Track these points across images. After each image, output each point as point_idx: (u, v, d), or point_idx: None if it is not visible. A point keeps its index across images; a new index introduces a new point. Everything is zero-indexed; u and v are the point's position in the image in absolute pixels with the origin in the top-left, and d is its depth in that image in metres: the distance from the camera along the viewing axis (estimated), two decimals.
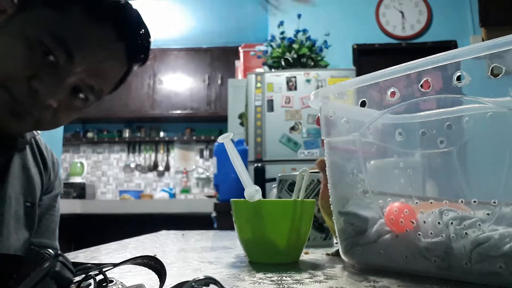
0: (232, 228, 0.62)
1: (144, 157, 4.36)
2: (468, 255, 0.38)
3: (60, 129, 2.43)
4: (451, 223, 0.40)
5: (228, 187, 2.26)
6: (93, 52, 0.57)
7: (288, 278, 0.42)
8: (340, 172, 0.54)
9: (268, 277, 0.43)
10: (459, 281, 0.39)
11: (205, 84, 4.15)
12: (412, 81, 0.43)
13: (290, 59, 2.58)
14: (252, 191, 0.53)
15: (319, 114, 0.56)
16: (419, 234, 0.43)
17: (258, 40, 3.48)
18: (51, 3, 0.56)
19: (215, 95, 4.12)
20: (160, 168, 4.33)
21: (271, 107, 2.42)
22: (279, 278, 0.42)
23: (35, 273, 0.22)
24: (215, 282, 0.25)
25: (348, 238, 0.51)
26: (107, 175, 4.35)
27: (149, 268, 0.35)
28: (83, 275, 0.31)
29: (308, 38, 2.65)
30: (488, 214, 0.38)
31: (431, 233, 0.41)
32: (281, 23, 2.75)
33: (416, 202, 0.43)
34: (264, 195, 0.70)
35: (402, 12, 3.28)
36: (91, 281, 0.31)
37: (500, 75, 0.36)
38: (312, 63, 2.60)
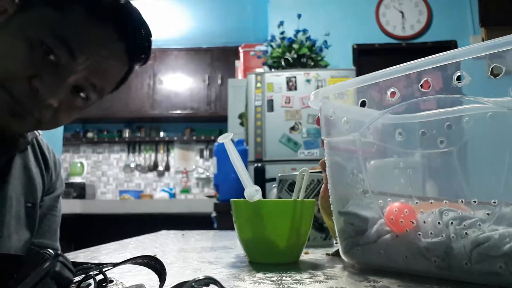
0: (232, 228, 0.62)
1: (144, 157, 4.36)
2: (468, 255, 0.38)
3: (60, 129, 2.43)
4: (451, 223, 0.40)
5: (228, 187, 2.26)
6: (95, 51, 0.57)
7: (288, 278, 0.42)
8: (340, 172, 0.54)
9: (268, 277, 0.43)
10: (459, 281, 0.39)
11: (205, 84, 4.15)
12: (412, 81, 0.43)
13: (290, 59, 2.58)
14: (252, 191, 0.53)
15: (319, 114, 0.56)
16: (419, 234, 0.43)
17: (258, 40, 3.48)
18: (51, 3, 0.55)
19: (215, 95, 4.12)
20: (160, 168, 4.33)
21: (271, 107, 2.42)
22: (279, 278, 0.42)
23: (35, 273, 0.22)
24: (215, 282, 0.25)
25: (348, 238, 0.51)
26: (107, 175, 4.35)
27: (149, 268, 0.35)
28: (83, 275, 0.31)
29: (308, 38, 2.65)
30: (488, 214, 0.38)
31: (431, 233, 0.41)
32: (281, 23, 2.75)
33: (416, 202, 0.43)
34: (264, 195, 0.70)
35: (402, 12, 3.28)
36: (91, 281, 0.31)
37: (500, 75, 0.36)
38: (312, 63, 2.60)
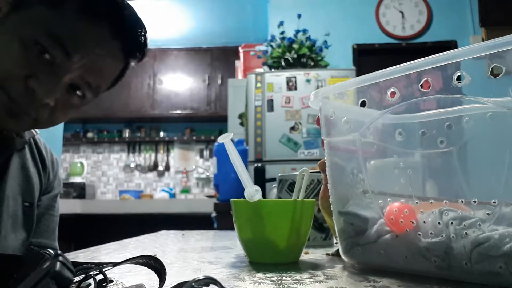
0: (232, 228, 0.62)
1: (144, 157, 4.36)
2: (468, 255, 0.38)
3: (60, 129, 2.43)
4: (451, 223, 0.40)
5: (228, 187, 2.26)
6: (90, 49, 0.57)
7: (288, 278, 0.42)
8: (340, 172, 0.53)
9: (268, 277, 0.43)
10: (459, 281, 0.39)
11: (205, 84, 4.15)
12: (412, 81, 0.43)
13: (290, 59, 2.58)
14: (252, 191, 0.53)
15: (319, 114, 0.56)
16: (419, 234, 0.43)
17: (258, 40, 3.48)
18: (46, 2, 0.55)
19: (215, 95, 4.12)
20: (160, 168, 4.33)
21: (271, 107, 2.42)
22: (279, 278, 0.42)
23: (35, 273, 0.22)
24: (215, 282, 0.25)
25: (348, 238, 0.51)
26: (107, 175, 4.35)
27: (149, 268, 0.35)
28: (83, 275, 0.31)
29: (308, 38, 2.65)
30: (488, 214, 0.38)
31: (431, 233, 0.41)
32: (281, 23, 2.75)
33: (416, 202, 0.43)
34: (264, 195, 0.70)
35: (402, 12, 3.28)
36: (91, 281, 0.31)
37: (500, 75, 0.36)
38: (312, 63, 2.60)
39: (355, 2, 3.30)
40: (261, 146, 2.38)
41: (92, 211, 3.49)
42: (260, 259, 0.55)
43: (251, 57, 2.91)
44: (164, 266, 0.34)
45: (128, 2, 0.62)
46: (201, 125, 4.31)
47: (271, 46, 2.68)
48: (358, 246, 0.50)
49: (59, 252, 0.23)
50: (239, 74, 3.08)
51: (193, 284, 0.24)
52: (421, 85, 0.43)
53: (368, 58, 3.23)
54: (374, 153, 0.49)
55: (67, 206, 3.35)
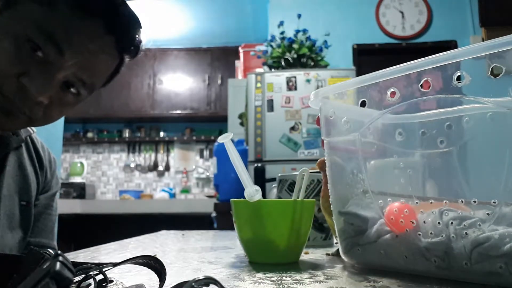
0: (232, 228, 0.62)
1: (144, 157, 4.36)
2: (468, 255, 0.38)
3: (60, 129, 2.42)
4: (451, 223, 0.40)
5: (228, 187, 2.26)
6: (83, 46, 0.56)
7: (288, 278, 0.42)
8: (340, 172, 0.53)
9: (268, 277, 0.43)
10: (459, 281, 0.39)
11: (205, 84, 4.15)
12: (412, 81, 0.43)
13: (290, 59, 2.58)
14: (252, 191, 0.53)
15: (319, 114, 0.56)
16: (419, 234, 0.43)
17: (258, 40, 3.48)
18: None
19: (215, 95, 4.12)
20: (160, 168, 4.33)
21: (271, 107, 2.42)
22: (279, 278, 0.42)
23: (35, 273, 0.22)
24: (215, 282, 0.25)
25: (348, 238, 0.51)
26: (107, 175, 4.35)
27: (149, 268, 0.35)
28: (83, 275, 0.31)
29: (308, 38, 2.65)
30: (488, 214, 0.38)
31: (431, 233, 0.41)
32: (281, 23, 2.75)
33: (416, 202, 0.43)
34: (264, 195, 0.70)
35: (402, 12, 3.28)
36: (91, 281, 0.31)
37: (500, 75, 0.36)
38: (312, 63, 2.60)
39: (355, 2, 3.30)
40: (261, 146, 2.38)
41: (92, 211, 3.49)
42: (260, 259, 0.55)
43: (251, 57, 2.91)
44: (164, 266, 0.34)
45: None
46: (201, 125, 4.31)
47: (271, 46, 2.68)
48: (358, 246, 0.50)
49: (59, 252, 0.23)
50: (239, 74, 3.08)
51: (193, 284, 0.24)
52: (421, 85, 0.43)
53: (368, 58, 3.23)
54: (374, 153, 0.49)
55: (67, 206, 3.35)
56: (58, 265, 0.22)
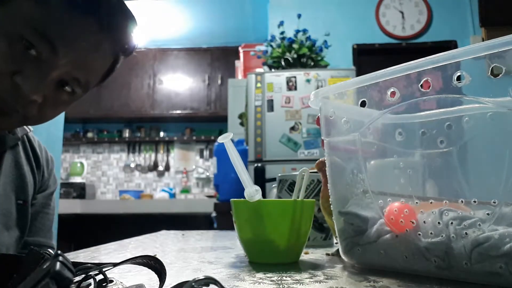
0: (232, 228, 0.62)
1: (144, 157, 4.36)
2: (468, 255, 0.38)
3: (60, 129, 2.42)
4: (451, 223, 0.40)
5: (228, 187, 2.26)
6: (77, 44, 0.55)
7: (288, 278, 0.42)
8: (340, 172, 0.53)
9: (268, 277, 0.43)
10: (459, 281, 0.39)
11: (205, 84, 4.15)
12: (412, 81, 0.43)
13: (290, 59, 2.58)
14: (252, 191, 0.53)
15: (319, 114, 0.56)
16: (419, 234, 0.43)
17: (258, 40, 3.48)
18: None
19: (215, 95, 4.12)
20: (160, 168, 4.33)
21: (271, 107, 2.42)
22: (279, 278, 0.42)
23: (35, 273, 0.22)
24: (215, 282, 0.25)
25: (348, 238, 0.51)
26: (107, 175, 4.35)
27: (149, 268, 0.35)
28: (83, 275, 0.31)
29: (308, 38, 2.65)
30: (488, 214, 0.38)
31: (431, 233, 0.41)
32: (281, 23, 2.75)
33: (416, 202, 0.43)
34: (264, 195, 0.70)
35: (402, 12, 3.28)
36: (91, 281, 0.31)
37: (500, 75, 0.36)
38: (312, 63, 2.60)
39: (355, 2, 3.30)
40: (261, 146, 2.38)
41: (92, 211, 3.50)
42: (260, 259, 0.55)
43: (251, 57, 2.91)
44: (164, 266, 0.34)
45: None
46: (201, 125, 4.32)
47: (271, 46, 2.68)
48: (358, 246, 0.50)
49: (59, 252, 0.23)
50: (239, 74, 3.08)
51: (193, 284, 0.24)
52: (421, 85, 0.43)
53: (368, 58, 3.23)
54: (374, 153, 0.49)
55: (67, 206, 3.35)
56: (58, 265, 0.22)
